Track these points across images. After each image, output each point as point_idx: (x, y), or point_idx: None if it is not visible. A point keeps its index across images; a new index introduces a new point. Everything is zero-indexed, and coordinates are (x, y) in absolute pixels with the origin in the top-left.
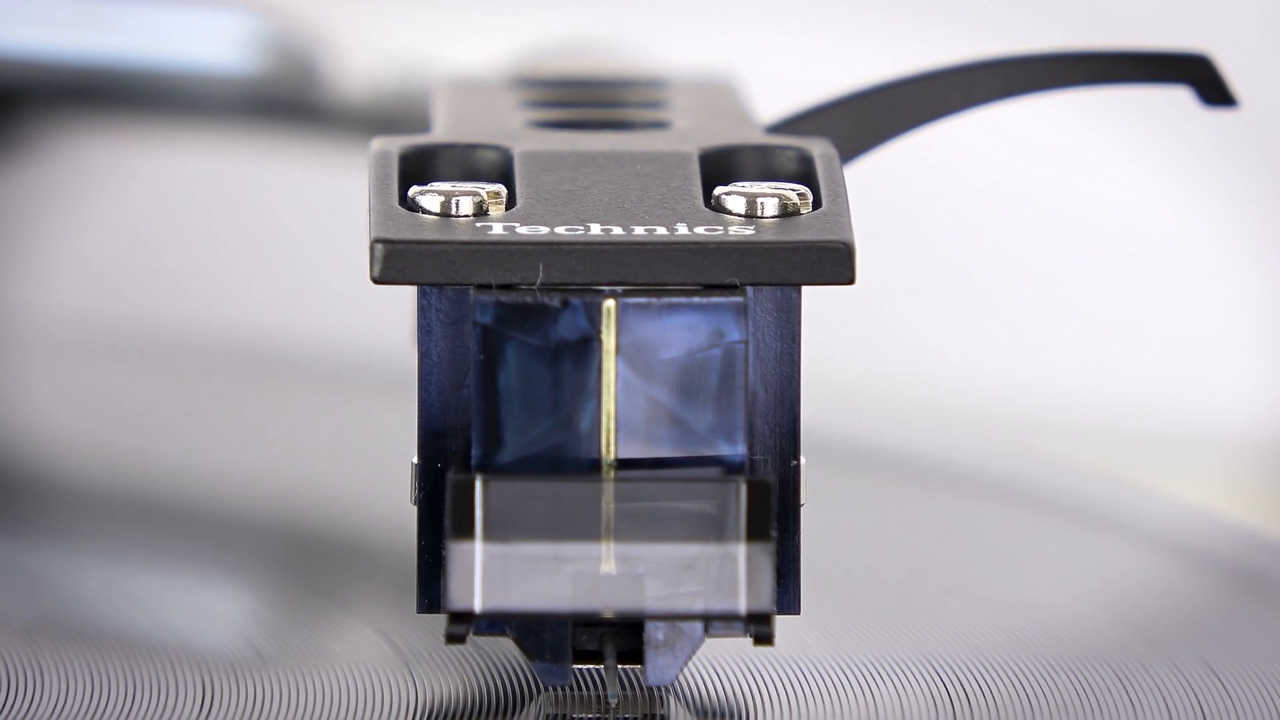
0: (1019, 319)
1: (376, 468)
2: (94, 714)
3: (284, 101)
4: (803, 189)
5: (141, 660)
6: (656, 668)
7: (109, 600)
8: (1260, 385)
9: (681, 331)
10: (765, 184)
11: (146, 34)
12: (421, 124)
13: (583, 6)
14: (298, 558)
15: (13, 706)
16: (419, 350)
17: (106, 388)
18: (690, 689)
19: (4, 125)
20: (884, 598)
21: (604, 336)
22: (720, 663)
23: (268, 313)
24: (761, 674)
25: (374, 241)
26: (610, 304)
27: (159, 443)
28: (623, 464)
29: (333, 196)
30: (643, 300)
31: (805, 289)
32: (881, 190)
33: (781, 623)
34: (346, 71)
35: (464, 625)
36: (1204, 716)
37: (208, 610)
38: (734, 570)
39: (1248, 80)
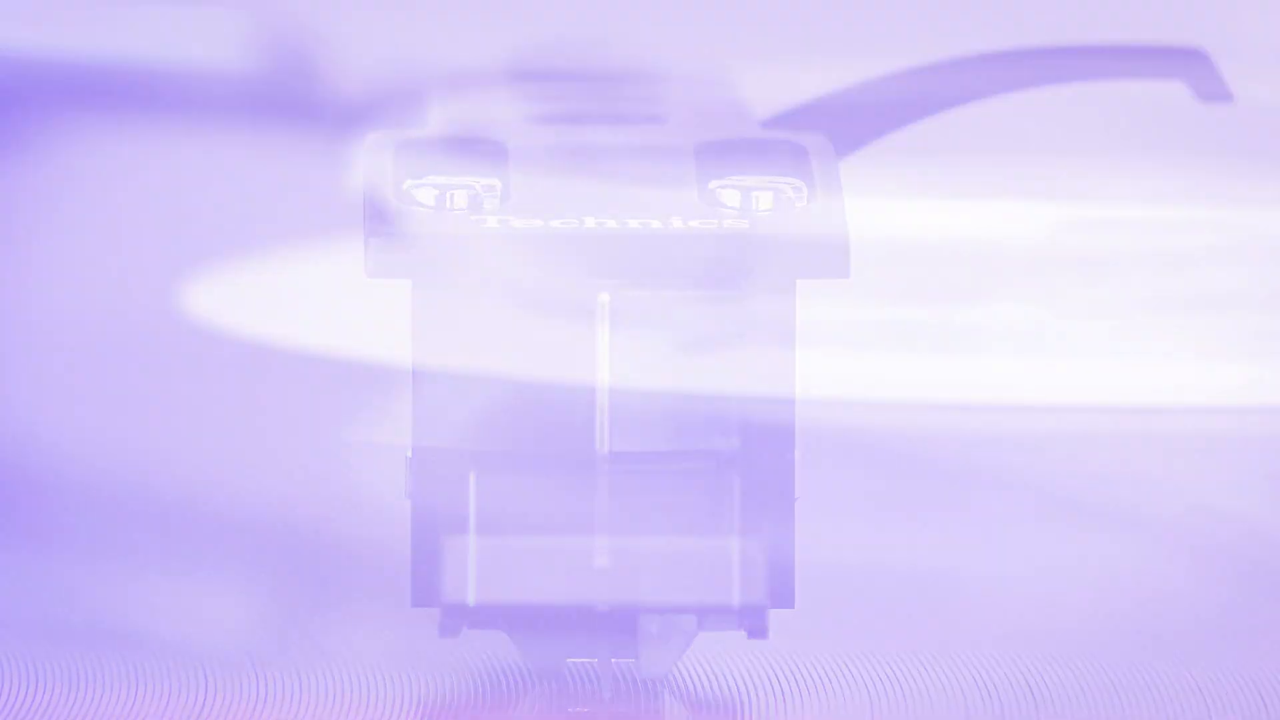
0: (1015, 316)
1: (374, 462)
2: (93, 713)
3: (281, 100)
4: (797, 183)
5: (140, 659)
6: (650, 661)
7: (106, 598)
8: (1260, 385)
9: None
10: (760, 178)
11: (141, 33)
12: (419, 121)
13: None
14: (293, 553)
15: (14, 706)
16: (413, 344)
17: (102, 387)
18: (684, 682)
19: (2, 125)
20: (879, 592)
21: (599, 329)
22: (713, 656)
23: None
24: (755, 667)
25: (367, 236)
26: (605, 296)
27: (154, 441)
28: (617, 457)
29: (331, 194)
30: (637, 293)
31: (800, 281)
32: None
33: (775, 616)
34: (344, 70)
35: (458, 619)
36: (1207, 714)
37: (204, 608)
38: (728, 563)
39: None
